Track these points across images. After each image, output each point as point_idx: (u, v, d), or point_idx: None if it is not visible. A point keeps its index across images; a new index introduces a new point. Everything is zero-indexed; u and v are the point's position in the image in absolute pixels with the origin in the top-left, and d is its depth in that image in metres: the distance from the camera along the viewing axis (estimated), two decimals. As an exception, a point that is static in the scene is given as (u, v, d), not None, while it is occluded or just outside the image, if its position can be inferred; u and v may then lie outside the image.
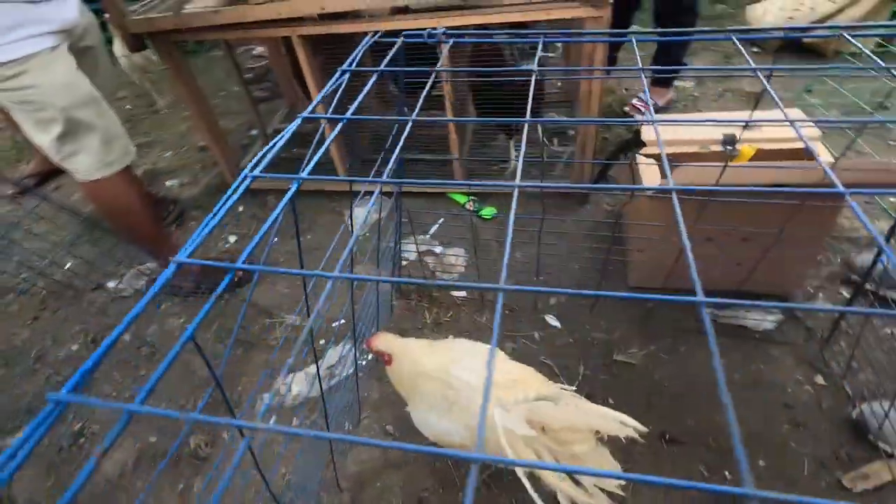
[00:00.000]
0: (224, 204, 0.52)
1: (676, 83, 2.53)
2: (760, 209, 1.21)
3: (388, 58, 0.72)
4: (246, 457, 0.52)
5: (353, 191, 1.64)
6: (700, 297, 0.37)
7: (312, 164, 0.56)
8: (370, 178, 0.55)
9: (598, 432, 0.91)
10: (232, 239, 2.06)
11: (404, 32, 0.78)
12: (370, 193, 2.16)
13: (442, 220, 1.97)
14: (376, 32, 0.79)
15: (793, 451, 1.18)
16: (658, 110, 2.40)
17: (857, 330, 1.35)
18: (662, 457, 1.21)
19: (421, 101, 0.65)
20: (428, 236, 1.92)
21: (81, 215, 2.00)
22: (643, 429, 0.85)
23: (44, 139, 1.41)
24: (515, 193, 0.48)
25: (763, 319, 1.40)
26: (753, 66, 0.67)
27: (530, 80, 0.64)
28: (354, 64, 0.70)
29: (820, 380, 1.31)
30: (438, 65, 0.72)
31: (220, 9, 1.64)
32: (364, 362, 1.51)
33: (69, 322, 1.78)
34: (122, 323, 0.42)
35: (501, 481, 1.19)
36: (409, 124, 0.59)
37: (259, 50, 3.43)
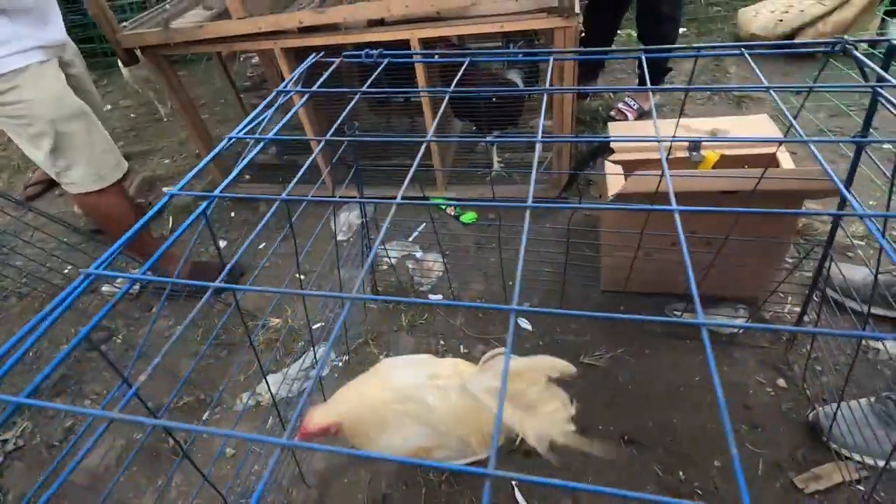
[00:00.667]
0: (143, 223, 0.57)
1: (664, 85, 2.55)
2: (719, 215, 1.23)
3: (323, 77, 0.77)
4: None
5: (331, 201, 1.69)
6: (701, 320, 0.39)
7: (226, 182, 0.61)
8: (308, 197, 0.60)
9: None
10: (222, 244, 2.13)
11: (344, 52, 0.83)
12: (353, 197, 2.22)
13: (423, 224, 2.01)
14: (319, 52, 0.84)
15: (749, 453, 1.20)
16: (643, 114, 2.42)
17: (818, 336, 1.37)
18: (621, 457, 1.24)
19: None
20: (409, 241, 1.97)
21: (71, 225, 2.09)
22: (573, 369, 0.94)
23: (37, 155, 1.48)
24: (527, 216, 0.52)
25: (730, 322, 1.42)
26: (766, 84, 0.65)
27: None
28: (293, 83, 0.75)
29: (782, 382, 1.33)
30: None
31: (204, 24, 1.71)
32: (340, 363, 1.57)
33: (65, 323, 1.86)
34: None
35: (462, 477, 1.23)
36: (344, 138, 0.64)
37: (257, 58, 3.52)
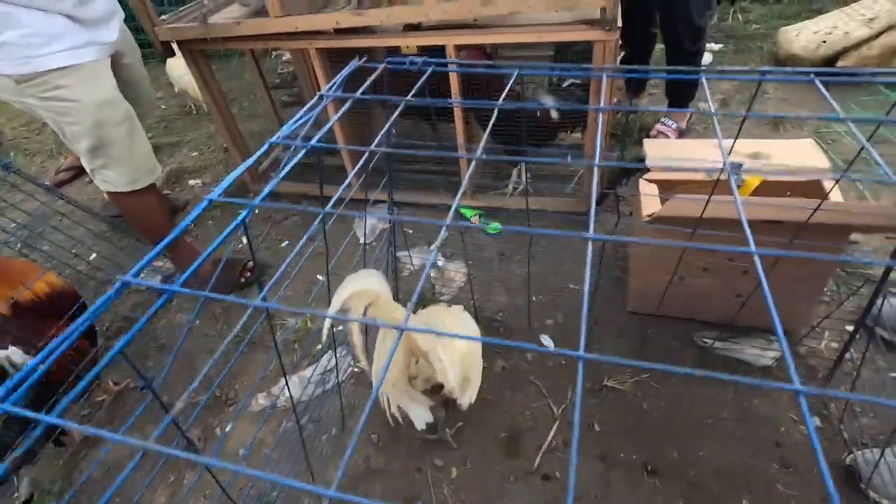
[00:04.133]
0: (179, 231, 0.56)
1: (701, 105, 2.49)
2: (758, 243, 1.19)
3: (367, 83, 0.75)
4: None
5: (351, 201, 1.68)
6: (797, 386, 0.35)
7: (266, 192, 0.59)
8: (319, 210, 0.58)
9: None
10: (244, 240, 2.13)
11: (387, 59, 0.81)
12: (380, 202, 2.20)
13: (446, 232, 1.98)
14: (362, 57, 0.82)
15: (779, 493, 1.15)
16: (683, 132, 2.36)
17: (860, 367, 1.31)
18: (642, 487, 1.19)
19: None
20: (432, 248, 1.94)
21: (98, 214, 2.11)
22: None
23: (77, 148, 1.48)
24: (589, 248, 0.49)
25: (762, 355, 1.37)
26: (841, 115, 0.60)
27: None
28: (335, 88, 0.73)
29: (817, 421, 1.27)
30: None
31: (241, 20, 1.72)
32: (357, 369, 1.54)
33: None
34: (136, 314, 0.45)
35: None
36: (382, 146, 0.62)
37: (288, 55, 3.54)
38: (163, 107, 3.34)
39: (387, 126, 0.71)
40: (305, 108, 0.70)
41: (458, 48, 1.62)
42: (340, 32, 1.67)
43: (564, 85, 1.86)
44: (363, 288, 0.99)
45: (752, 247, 0.45)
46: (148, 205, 1.65)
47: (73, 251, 2.09)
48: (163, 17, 1.85)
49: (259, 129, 2.90)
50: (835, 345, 1.41)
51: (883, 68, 2.50)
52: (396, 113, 0.70)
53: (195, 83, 2.01)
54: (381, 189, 1.34)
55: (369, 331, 1.11)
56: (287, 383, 1.03)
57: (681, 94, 2.27)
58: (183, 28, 1.77)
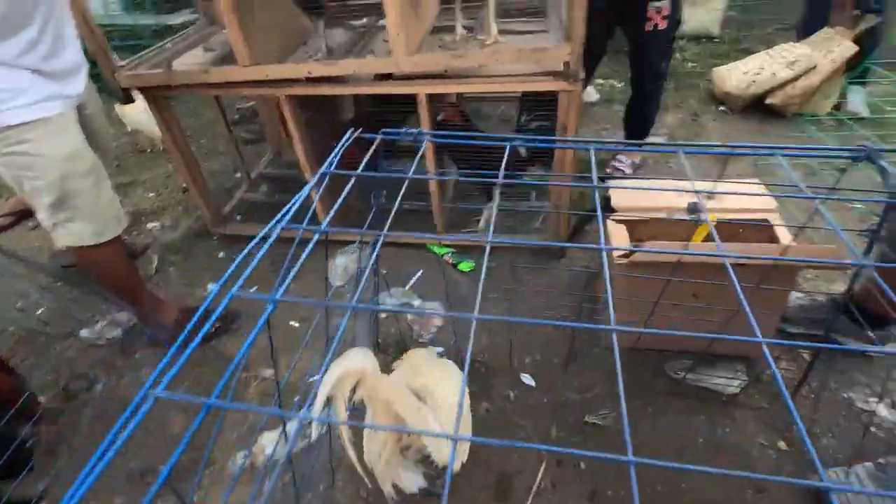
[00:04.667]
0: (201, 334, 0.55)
1: (650, 139, 2.66)
2: (724, 280, 1.29)
3: (368, 155, 0.77)
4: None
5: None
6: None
7: (287, 282, 0.59)
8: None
9: None
10: (210, 286, 2.06)
11: (383, 130, 0.83)
12: (351, 242, 2.19)
13: (420, 272, 2.01)
14: (355, 129, 0.84)
15: (757, 519, 1.22)
16: (637, 168, 2.51)
17: (817, 390, 1.42)
18: (631, 524, 1.23)
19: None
20: (406, 289, 1.95)
21: (43, 266, 1.99)
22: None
23: (37, 202, 1.40)
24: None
25: (728, 384, 1.45)
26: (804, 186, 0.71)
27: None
28: (334, 165, 0.75)
29: (783, 445, 1.36)
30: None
31: (208, 68, 1.70)
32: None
33: (39, 370, 1.75)
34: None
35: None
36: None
37: (247, 92, 3.49)
38: (114, 145, 3.20)
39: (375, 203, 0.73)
40: (309, 185, 0.71)
41: (430, 97, 1.67)
42: (312, 81, 1.68)
43: (532, 126, 1.95)
44: (349, 369, 0.98)
45: (738, 287, 0.50)
46: (113, 256, 1.57)
47: (18, 306, 1.96)
48: (122, 63, 1.80)
49: (219, 167, 2.83)
50: (794, 366, 1.53)
51: (773, 100, 2.77)
52: (407, 182, 0.72)
53: (152, 122, 1.95)
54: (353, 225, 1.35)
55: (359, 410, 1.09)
56: (284, 432, 1.00)
57: (636, 129, 2.42)
58: (146, 75, 1.73)
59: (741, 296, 0.53)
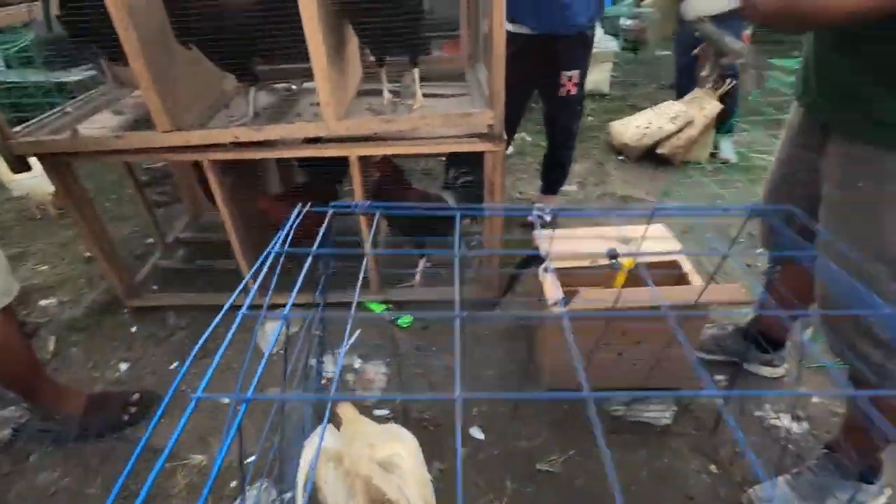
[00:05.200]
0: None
1: (563, 188, 2.88)
2: (646, 322, 1.42)
3: (319, 235, 0.77)
4: None
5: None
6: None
7: (255, 381, 0.57)
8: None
9: None
10: (123, 367, 1.86)
11: (332, 204, 0.84)
12: (281, 306, 2.10)
13: (359, 331, 1.97)
14: (301, 211, 0.84)
15: (702, 544, 1.29)
16: (554, 216, 2.69)
17: (736, 414, 1.56)
18: (592, 570, 1.24)
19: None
20: (345, 350, 1.90)
21: None
22: None
23: None
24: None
25: (661, 416, 1.56)
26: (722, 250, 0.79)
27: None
28: (286, 243, 0.74)
29: (714, 468, 1.46)
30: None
31: (123, 134, 1.61)
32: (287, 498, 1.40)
33: None
34: None
35: None
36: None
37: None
38: (-6, 212, 2.86)
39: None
40: (259, 261, 0.70)
41: (361, 158, 1.70)
42: (238, 145, 1.65)
43: (459, 182, 2.04)
44: (327, 450, 0.95)
45: (675, 326, 0.56)
46: (7, 336, 1.38)
47: None
48: (16, 129, 1.65)
49: (128, 232, 2.62)
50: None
51: (662, 150, 3.17)
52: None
53: (44, 187, 1.78)
54: (285, 289, 1.31)
55: (325, 485, 1.03)
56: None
57: (553, 180, 2.62)
58: (48, 141, 1.59)
59: (681, 335, 0.59)
